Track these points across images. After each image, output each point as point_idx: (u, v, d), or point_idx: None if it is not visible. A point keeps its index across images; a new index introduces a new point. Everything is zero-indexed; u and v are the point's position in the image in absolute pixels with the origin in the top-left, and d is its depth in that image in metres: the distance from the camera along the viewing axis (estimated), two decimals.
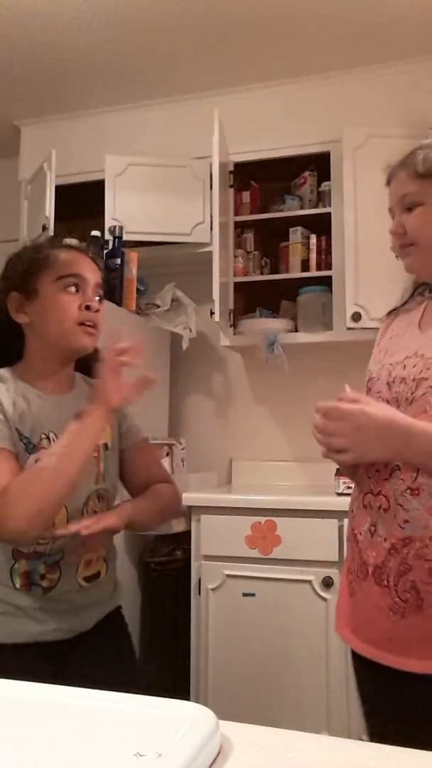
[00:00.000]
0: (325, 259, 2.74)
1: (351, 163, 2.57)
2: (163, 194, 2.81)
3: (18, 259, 1.32)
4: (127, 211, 2.77)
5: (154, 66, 2.76)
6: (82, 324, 1.25)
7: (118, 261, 2.59)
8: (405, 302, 1.22)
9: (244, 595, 2.21)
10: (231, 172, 2.84)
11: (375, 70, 2.72)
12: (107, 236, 2.64)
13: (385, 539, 1.00)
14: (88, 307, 1.25)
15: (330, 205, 2.71)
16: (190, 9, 2.39)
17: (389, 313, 1.25)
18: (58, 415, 1.25)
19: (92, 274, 1.29)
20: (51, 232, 2.65)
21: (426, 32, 2.52)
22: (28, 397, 1.24)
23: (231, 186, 2.85)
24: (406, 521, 0.98)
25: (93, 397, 1.24)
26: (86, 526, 1.16)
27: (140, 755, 0.49)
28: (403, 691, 1.00)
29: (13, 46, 2.61)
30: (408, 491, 0.99)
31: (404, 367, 1.07)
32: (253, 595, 2.21)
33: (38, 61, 2.72)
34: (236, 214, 2.88)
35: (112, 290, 2.57)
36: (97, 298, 1.30)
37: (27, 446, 1.21)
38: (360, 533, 1.06)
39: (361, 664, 1.08)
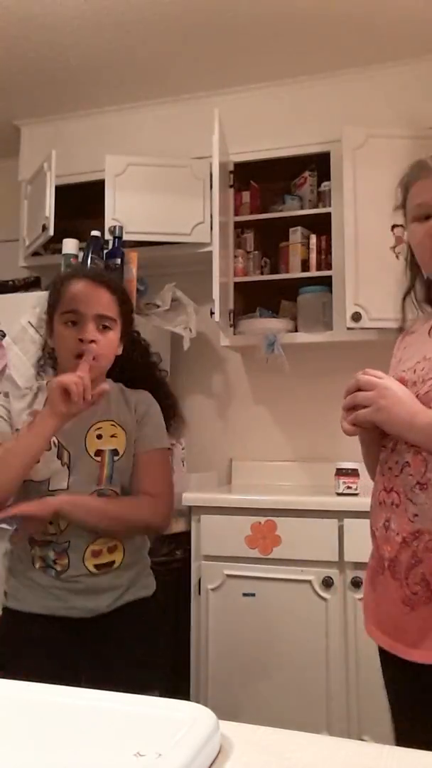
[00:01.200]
0: (325, 259, 2.74)
1: (351, 163, 2.57)
2: (163, 194, 2.81)
3: (49, 290, 1.48)
4: (127, 211, 2.77)
5: (154, 66, 2.76)
6: (78, 356, 1.35)
7: (118, 261, 2.59)
8: (404, 321, 1.27)
9: (244, 595, 2.21)
10: (231, 172, 2.84)
11: (375, 70, 2.72)
12: (107, 236, 2.64)
13: (398, 533, 1.04)
14: (81, 340, 1.35)
15: (330, 205, 2.71)
16: (190, 9, 2.39)
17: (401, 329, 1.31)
18: (68, 424, 1.36)
19: (92, 307, 1.37)
20: (51, 232, 2.66)
21: (426, 32, 2.52)
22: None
23: (231, 186, 2.85)
24: (416, 515, 1.02)
25: (47, 401, 1.34)
26: (3, 511, 1.29)
27: (140, 755, 0.49)
28: (420, 684, 1.02)
29: (13, 45, 2.61)
30: (417, 486, 1.03)
31: (414, 371, 1.12)
32: (253, 595, 2.21)
33: (38, 61, 2.72)
34: (236, 214, 2.88)
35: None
36: (104, 325, 1.38)
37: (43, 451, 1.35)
38: (377, 529, 1.11)
39: (388, 661, 1.10)
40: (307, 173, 2.87)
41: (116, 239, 2.62)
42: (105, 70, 2.79)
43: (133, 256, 2.64)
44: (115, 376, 1.49)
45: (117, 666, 1.37)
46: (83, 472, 1.38)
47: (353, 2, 2.36)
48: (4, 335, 2.42)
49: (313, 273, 2.73)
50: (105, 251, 2.59)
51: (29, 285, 2.90)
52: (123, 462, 1.41)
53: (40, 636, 1.36)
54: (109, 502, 1.40)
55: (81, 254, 2.51)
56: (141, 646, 1.42)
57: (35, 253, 2.97)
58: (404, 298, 1.26)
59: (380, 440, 1.15)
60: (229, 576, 2.23)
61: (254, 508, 2.22)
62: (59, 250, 2.65)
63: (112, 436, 1.41)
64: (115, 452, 1.40)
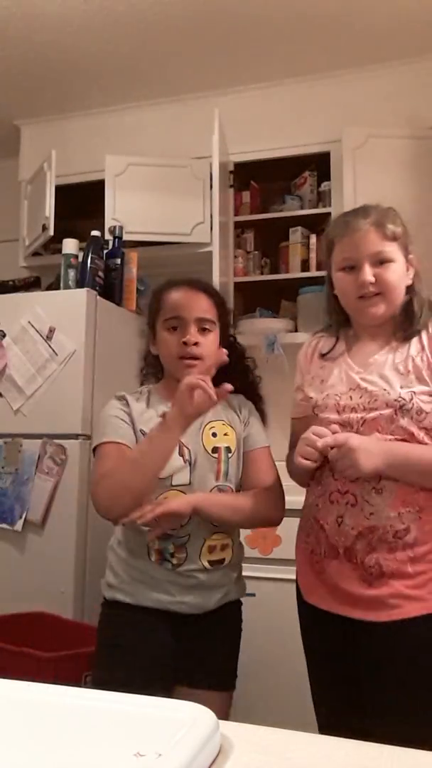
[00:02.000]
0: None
1: (351, 163, 2.57)
2: (163, 194, 2.81)
3: (150, 300, 1.57)
4: (127, 211, 2.77)
5: (154, 66, 2.76)
6: (182, 358, 1.43)
7: (118, 261, 2.59)
8: (322, 332, 1.50)
9: (245, 594, 2.21)
10: (231, 172, 2.84)
11: (375, 70, 2.72)
12: (107, 236, 2.64)
13: (353, 528, 1.27)
14: (185, 343, 1.42)
15: (330, 205, 2.71)
16: (190, 9, 2.39)
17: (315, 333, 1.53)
18: None
19: (193, 311, 1.45)
20: (51, 232, 2.66)
21: (426, 32, 2.52)
22: (158, 408, 1.45)
23: (231, 186, 2.85)
24: (372, 513, 1.26)
25: (173, 403, 1.37)
26: (145, 511, 1.29)
27: (140, 755, 0.49)
28: (361, 639, 1.28)
29: (13, 46, 2.62)
30: (373, 490, 1.26)
31: (350, 398, 1.33)
32: (253, 595, 2.20)
33: (38, 61, 2.72)
34: (236, 214, 2.88)
35: (112, 290, 2.57)
36: (204, 328, 1.46)
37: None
38: (327, 523, 1.32)
39: (324, 621, 1.34)
40: (307, 173, 2.87)
41: (116, 239, 2.62)
42: (105, 70, 2.79)
43: (133, 256, 2.64)
44: (215, 380, 1.50)
45: (210, 663, 1.44)
46: (203, 468, 1.43)
47: (353, 2, 2.36)
48: (4, 335, 2.42)
49: (313, 273, 2.73)
50: (105, 251, 2.59)
51: (29, 285, 2.90)
52: (235, 459, 1.48)
53: (146, 628, 1.39)
54: (238, 497, 1.46)
55: (81, 254, 2.51)
56: (232, 644, 1.53)
57: (35, 253, 2.98)
58: (327, 328, 1.49)
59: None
60: None
61: None
62: (59, 250, 2.65)
63: (225, 434, 1.48)
64: (228, 450, 1.47)
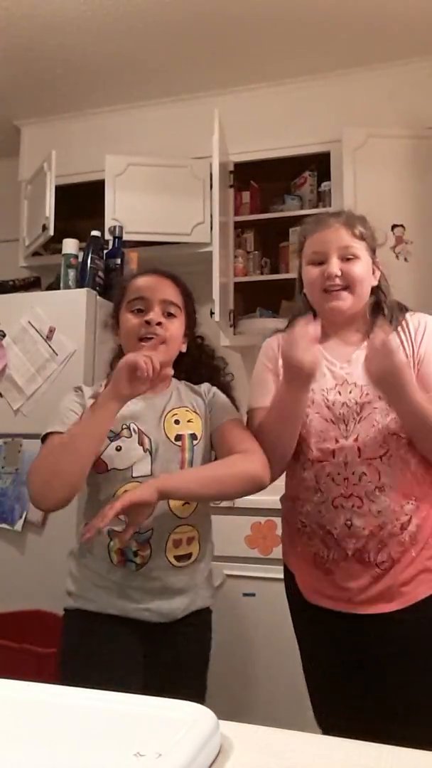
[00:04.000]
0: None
1: (351, 163, 2.57)
2: (163, 194, 2.81)
3: (115, 291, 1.54)
4: (127, 211, 2.77)
5: (154, 66, 2.76)
6: (142, 339, 1.37)
7: (118, 261, 2.59)
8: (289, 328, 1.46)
9: (244, 595, 2.21)
10: (231, 172, 2.84)
11: (375, 70, 2.72)
12: (107, 236, 2.64)
13: (363, 528, 1.30)
14: (148, 323, 1.37)
15: (330, 205, 2.71)
16: (190, 9, 2.39)
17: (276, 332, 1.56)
18: (143, 409, 1.39)
19: (158, 293, 1.41)
20: (51, 232, 2.65)
21: (426, 32, 2.52)
22: None
23: (231, 186, 2.85)
24: (380, 512, 1.30)
25: (109, 383, 1.31)
26: (105, 512, 1.18)
27: (140, 755, 0.49)
28: (375, 631, 1.30)
29: (13, 45, 2.61)
30: (376, 490, 1.30)
31: (339, 393, 1.35)
32: (253, 595, 2.21)
33: (38, 61, 2.72)
34: (236, 214, 2.88)
35: (112, 290, 2.57)
36: (169, 312, 1.41)
37: (109, 434, 1.34)
38: (335, 527, 1.32)
39: (327, 622, 1.35)
40: (307, 173, 2.87)
41: (116, 239, 2.62)
42: (105, 71, 2.79)
43: (133, 256, 2.64)
44: (182, 378, 1.51)
45: (178, 678, 1.34)
46: (165, 457, 1.35)
47: (353, 2, 2.36)
48: (4, 335, 2.42)
49: None
50: (105, 251, 2.59)
51: (29, 285, 2.90)
52: (201, 446, 1.40)
53: (112, 637, 1.31)
54: (207, 467, 1.37)
55: (81, 254, 2.51)
56: (201, 658, 1.44)
57: (35, 253, 2.97)
58: (293, 319, 1.51)
59: (301, 413, 1.35)
60: (229, 576, 2.23)
61: (254, 508, 2.22)
62: (59, 250, 2.65)
63: (189, 421, 1.40)
64: (193, 436, 1.39)
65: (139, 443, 1.35)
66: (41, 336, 2.35)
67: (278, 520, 2.24)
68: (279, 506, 2.24)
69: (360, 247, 1.38)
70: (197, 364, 1.55)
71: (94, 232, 2.55)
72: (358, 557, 1.31)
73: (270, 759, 0.52)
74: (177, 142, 2.90)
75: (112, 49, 2.64)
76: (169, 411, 1.41)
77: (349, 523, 1.31)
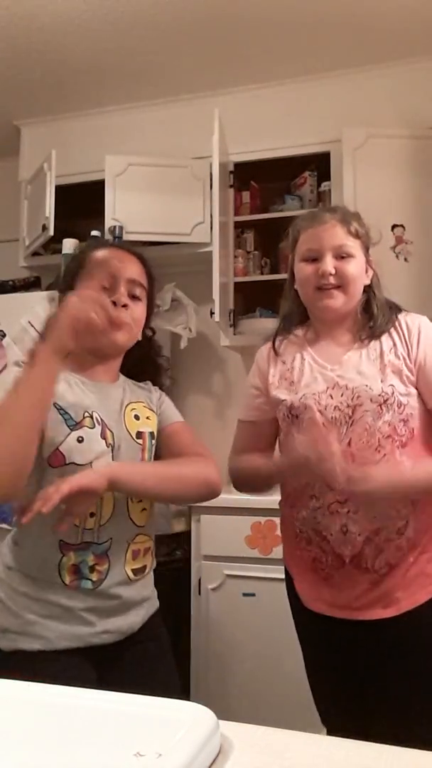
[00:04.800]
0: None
1: (351, 163, 2.57)
2: (163, 194, 2.81)
3: (65, 262, 1.35)
4: (127, 211, 2.77)
5: (154, 66, 2.76)
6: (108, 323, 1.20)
7: None
8: (279, 333, 1.48)
9: (244, 595, 2.21)
10: (231, 172, 2.84)
11: (375, 70, 2.72)
12: (107, 236, 2.64)
13: (359, 534, 1.28)
14: (114, 304, 1.22)
15: (330, 205, 2.71)
16: (190, 9, 2.39)
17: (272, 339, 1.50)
18: (100, 399, 1.24)
19: (125, 271, 1.26)
20: (51, 232, 2.65)
21: (425, 32, 2.52)
22: (69, 380, 1.22)
23: (231, 186, 2.85)
24: (375, 517, 1.27)
25: (44, 335, 1.12)
26: (49, 494, 1.03)
27: (140, 755, 0.49)
28: (373, 637, 1.29)
29: (13, 46, 2.61)
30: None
31: (331, 396, 1.32)
32: (253, 595, 2.21)
33: (38, 61, 2.72)
34: (236, 214, 2.88)
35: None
36: (134, 295, 1.27)
37: (67, 421, 1.17)
38: (331, 534, 1.31)
39: (326, 627, 1.34)
40: (307, 173, 2.87)
41: (116, 239, 2.62)
42: (105, 70, 2.79)
43: None
44: (125, 371, 1.38)
45: (152, 685, 1.11)
46: (127, 455, 1.22)
47: (354, 2, 2.36)
48: (4, 335, 2.42)
49: None
50: None
51: (29, 285, 2.90)
52: (155, 446, 1.29)
53: (62, 675, 0.99)
54: (162, 463, 1.26)
55: None
56: (169, 656, 1.30)
57: (35, 253, 2.97)
58: (283, 318, 1.49)
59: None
60: (229, 576, 2.23)
61: (254, 508, 2.22)
62: (59, 250, 2.65)
63: (147, 418, 1.29)
64: (152, 435, 1.28)
65: (102, 436, 1.19)
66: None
67: (278, 520, 2.24)
68: (278, 506, 2.24)
69: (355, 246, 1.36)
70: (144, 359, 1.40)
71: (94, 232, 2.56)
72: (355, 563, 1.29)
73: (270, 759, 0.52)
74: (177, 142, 2.90)
75: (112, 49, 2.64)
76: (128, 404, 1.28)
77: (345, 528, 1.29)
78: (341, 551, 1.30)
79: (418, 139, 2.59)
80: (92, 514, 1.16)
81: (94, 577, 1.16)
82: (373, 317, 1.38)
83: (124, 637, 1.20)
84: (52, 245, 2.88)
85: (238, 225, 2.89)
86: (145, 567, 1.25)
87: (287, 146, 2.78)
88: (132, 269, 1.28)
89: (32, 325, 2.37)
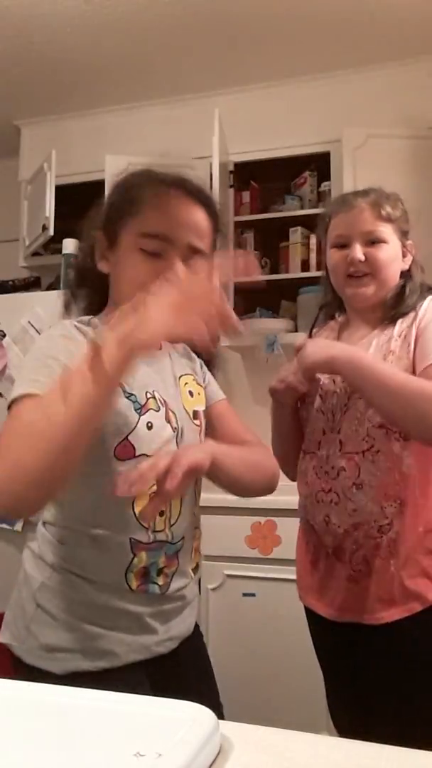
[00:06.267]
0: (325, 259, 2.74)
1: (351, 163, 2.57)
2: None
3: (113, 191, 1.10)
4: None
5: (154, 66, 2.76)
6: None
7: None
8: (316, 325, 1.46)
9: (244, 595, 2.21)
10: (231, 172, 2.84)
11: (375, 70, 2.72)
12: None
13: (339, 526, 1.25)
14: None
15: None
16: (190, 9, 2.39)
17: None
18: (156, 372, 1.03)
19: (188, 233, 0.98)
20: (51, 232, 2.65)
21: (426, 32, 2.52)
22: None
23: (231, 186, 2.85)
24: (354, 510, 1.23)
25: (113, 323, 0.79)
26: (147, 474, 0.81)
27: (140, 755, 0.49)
28: (358, 644, 1.25)
29: (13, 46, 2.61)
30: (354, 486, 1.23)
31: (334, 381, 1.29)
32: (253, 595, 2.21)
33: (38, 61, 2.72)
34: (236, 214, 2.88)
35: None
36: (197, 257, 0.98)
37: (134, 405, 0.96)
38: (316, 523, 1.30)
39: (323, 627, 1.32)
40: (307, 173, 2.87)
41: None
42: (105, 70, 2.79)
43: None
44: None
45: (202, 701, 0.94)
46: (188, 440, 1.03)
47: (354, 2, 2.36)
48: (4, 335, 2.42)
49: (313, 273, 2.72)
50: None
51: (29, 285, 2.90)
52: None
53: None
54: (239, 449, 1.05)
55: None
56: (210, 668, 1.16)
57: (35, 253, 2.97)
58: (320, 309, 1.46)
59: (295, 425, 1.37)
60: (229, 576, 2.23)
61: (254, 508, 2.22)
62: (59, 250, 2.64)
63: (198, 394, 1.10)
64: (203, 414, 1.10)
65: (166, 420, 1.00)
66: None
67: (278, 520, 2.25)
68: (279, 506, 2.24)
69: (386, 230, 1.28)
70: None
71: None
72: (337, 555, 1.27)
73: (270, 759, 0.52)
74: (177, 142, 2.90)
75: (112, 49, 2.64)
76: (180, 377, 1.08)
77: (327, 519, 1.27)
78: (325, 540, 1.29)
79: (417, 139, 2.59)
80: (161, 512, 0.99)
81: (161, 581, 0.99)
82: (402, 303, 1.30)
83: (181, 641, 1.05)
84: (52, 245, 2.88)
85: (238, 225, 2.89)
86: (198, 563, 1.11)
87: (287, 146, 2.79)
88: (196, 229, 1.00)
89: (32, 325, 2.37)
